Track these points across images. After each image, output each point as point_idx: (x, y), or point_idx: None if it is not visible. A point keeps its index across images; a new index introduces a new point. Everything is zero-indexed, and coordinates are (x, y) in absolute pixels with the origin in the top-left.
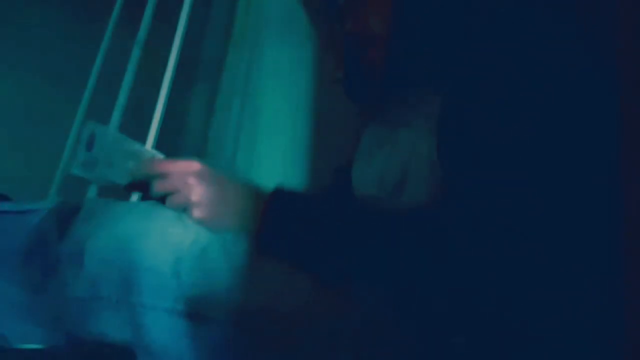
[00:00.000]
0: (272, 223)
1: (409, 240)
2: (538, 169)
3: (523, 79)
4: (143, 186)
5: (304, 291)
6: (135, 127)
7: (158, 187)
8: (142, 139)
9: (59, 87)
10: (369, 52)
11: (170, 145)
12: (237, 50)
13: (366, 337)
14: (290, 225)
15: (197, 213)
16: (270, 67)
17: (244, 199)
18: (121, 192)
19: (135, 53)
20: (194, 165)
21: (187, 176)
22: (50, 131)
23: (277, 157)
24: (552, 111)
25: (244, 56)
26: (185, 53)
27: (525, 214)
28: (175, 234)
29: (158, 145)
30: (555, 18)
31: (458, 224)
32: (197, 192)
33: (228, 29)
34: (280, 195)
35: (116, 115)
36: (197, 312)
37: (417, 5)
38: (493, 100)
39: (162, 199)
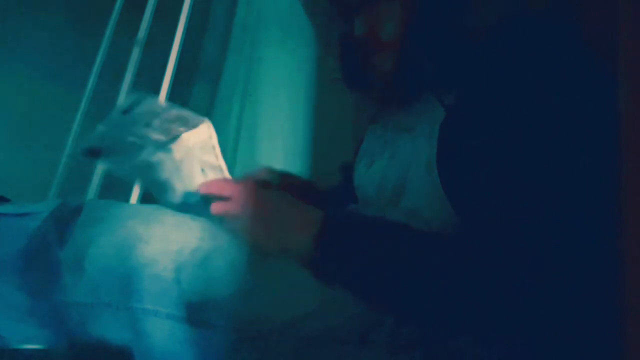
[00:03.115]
0: (327, 250)
1: (460, 267)
2: (538, 182)
3: (529, 95)
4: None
5: (306, 299)
6: None
7: (216, 210)
8: None
9: (59, 87)
10: (374, 56)
11: None
12: (237, 50)
13: (370, 343)
14: (344, 253)
15: (250, 234)
16: (270, 68)
17: (298, 222)
18: (120, 194)
19: (135, 53)
20: (253, 185)
21: (247, 198)
22: (50, 131)
23: (277, 157)
24: (555, 124)
25: (244, 56)
26: (185, 53)
27: (525, 224)
28: (177, 240)
29: None
30: (562, 32)
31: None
32: (255, 215)
33: (228, 29)
34: (333, 220)
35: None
36: (198, 318)
37: (433, 15)
38: (497, 112)
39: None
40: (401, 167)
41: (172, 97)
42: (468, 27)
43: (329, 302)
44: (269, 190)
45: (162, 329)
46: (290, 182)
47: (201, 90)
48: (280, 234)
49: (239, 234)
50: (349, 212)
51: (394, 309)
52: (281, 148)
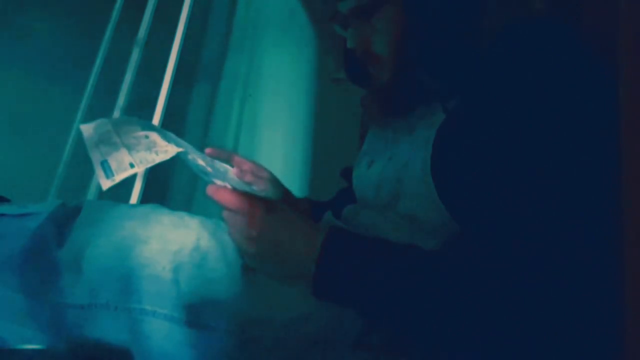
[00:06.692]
0: (328, 271)
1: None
2: (536, 188)
3: (527, 101)
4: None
5: (302, 300)
6: None
7: (227, 218)
8: None
9: (59, 87)
10: (369, 67)
11: None
12: (237, 50)
13: (365, 346)
14: (346, 273)
15: (252, 252)
16: (270, 68)
17: (300, 242)
18: (120, 194)
19: (135, 53)
20: (266, 204)
21: (256, 215)
22: (50, 131)
23: (277, 157)
24: (553, 129)
25: (244, 56)
26: (185, 53)
27: (522, 229)
28: (175, 240)
29: None
30: (562, 37)
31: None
32: (262, 236)
33: (228, 30)
34: (335, 239)
35: (116, 115)
36: (196, 319)
37: (425, 27)
38: (493, 120)
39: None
40: (398, 169)
41: (172, 97)
42: (464, 35)
43: (325, 304)
44: (271, 209)
45: (161, 330)
46: (288, 201)
47: (201, 90)
48: (281, 259)
49: (241, 252)
50: (351, 233)
51: (396, 328)
52: (281, 148)
